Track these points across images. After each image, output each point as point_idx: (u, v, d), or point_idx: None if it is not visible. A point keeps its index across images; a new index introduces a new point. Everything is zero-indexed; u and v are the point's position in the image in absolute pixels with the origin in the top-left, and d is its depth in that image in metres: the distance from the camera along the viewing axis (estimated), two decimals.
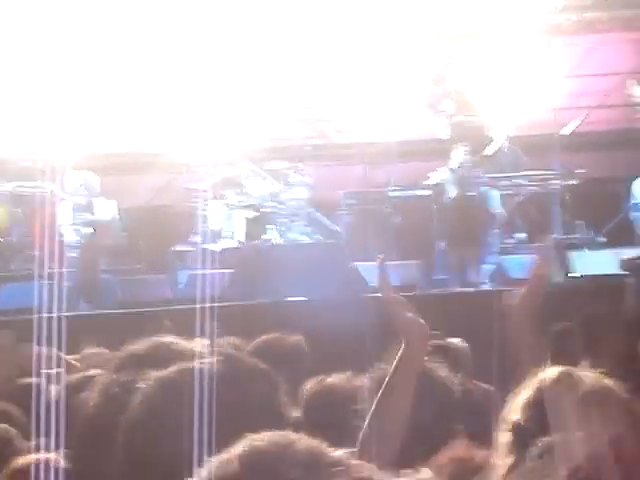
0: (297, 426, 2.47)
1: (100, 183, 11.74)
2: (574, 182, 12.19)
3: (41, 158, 11.28)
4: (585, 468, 1.58)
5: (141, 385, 1.83)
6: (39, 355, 4.26)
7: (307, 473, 1.23)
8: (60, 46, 12.06)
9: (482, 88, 13.48)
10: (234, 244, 11.85)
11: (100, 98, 13.10)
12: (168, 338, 2.15)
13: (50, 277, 9.76)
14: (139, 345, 2.15)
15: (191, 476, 1.60)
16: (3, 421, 3.51)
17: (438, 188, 12.23)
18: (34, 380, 3.90)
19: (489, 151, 12.64)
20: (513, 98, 13.27)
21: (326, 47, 13.65)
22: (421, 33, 13.67)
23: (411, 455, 2.14)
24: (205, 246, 11.70)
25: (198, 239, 11.99)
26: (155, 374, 1.82)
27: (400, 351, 2.63)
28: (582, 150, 12.74)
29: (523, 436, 1.92)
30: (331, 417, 2.42)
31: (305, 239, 12.12)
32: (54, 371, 3.44)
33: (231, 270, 10.64)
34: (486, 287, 11.27)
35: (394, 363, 2.60)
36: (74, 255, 11.08)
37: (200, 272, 10.82)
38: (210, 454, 1.61)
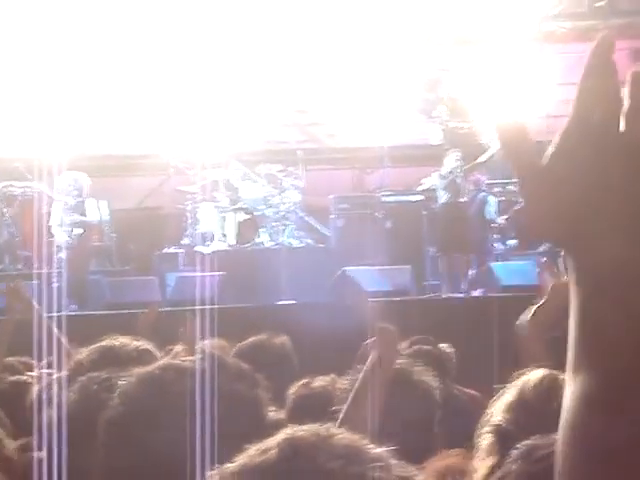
0: (278, 426, 2.46)
1: (90, 184, 11.71)
2: None
3: (31, 158, 11.24)
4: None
5: (121, 382, 1.81)
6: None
7: (347, 465, 1.21)
8: (52, 46, 12.04)
9: (475, 94, 13.49)
10: (225, 247, 11.83)
11: (92, 99, 13.07)
12: (121, 340, 2.15)
13: (39, 277, 9.74)
14: (90, 350, 2.15)
15: (175, 474, 1.58)
16: None
17: (429, 194, 12.23)
18: (16, 379, 3.88)
19: (482, 158, 12.64)
20: (506, 105, 13.26)
21: (320, 51, 13.65)
22: (415, 39, 13.68)
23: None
24: (196, 248, 11.68)
25: (188, 241, 11.97)
26: (137, 371, 1.81)
27: (370, 357, 2.63)
28: None
29: (504, 438, 1.91)
30: (315, 420, 2.41)
31: (296, 243, 12.11)
32: (39, 371, 3.42)
33: (222, 273, 10.62)
34: (476, 293, 11.26)
35: (363, 369, 2.60)
36: (63, 256, 11.05)
37: (190, 274, 10.79)
38: (190, 452, 1.60)
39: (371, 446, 1.25)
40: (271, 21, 13.47)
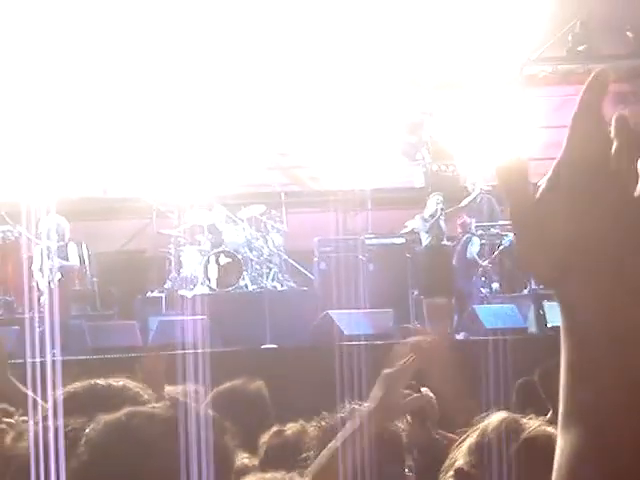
0: (246, 473, 2.42)
1: (71, 228, 11.66)
2: None
3: (12, 202, 11.20)
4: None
5: (88, 429, 1.78)
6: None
7: None
8: (33, 87, 12.04)
9: (458, 137, 13.54)
10: (208, 290, 11.77)
11: (74, 142, 13.05)
12: (103, 381, 2.11)
13: (21, 322, 9.67)
14: (74, 387, 2.11)
15: None
16: None
17: (412, 236, 12.23)
18: None
19: (464, 202, 12.68)
20: (489, 148, 13.32)
21: (303, 93, 13.69)
22: (398, 82, 13.74)
23: None
24: (178, 292, 11.62)
25: (170, 285, 11.91)
26: (103, 417, 1.77)
27: (367, 410, 2.54)
28: None
29: None
30: (287, 468, 2.37)
31: (279, 286, 12.07)
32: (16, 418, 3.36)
33: (204, 317, 10.55)
34: (460, 337, 11.22)
35: (357, 420, 2.50)
36: (45, 301, 10.97)
37: (172, 318, 10.73)
38: None
39: None
40: (255, 63, 13.52)
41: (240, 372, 4.29)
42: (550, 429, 1.94)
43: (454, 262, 12.11)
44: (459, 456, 2.00)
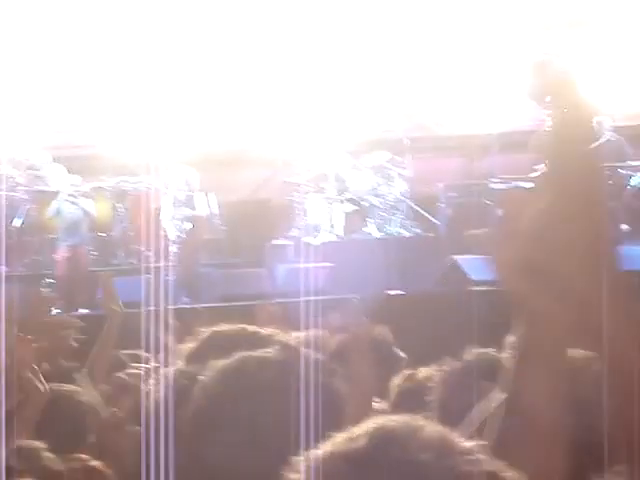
0: (374, 414, 2.43)
1: (200, 178, 11.84)
2: None
3: (142, 154, 11.43)
4: None
5: (202, 376, 1.81)
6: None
7: (437, 457, 1.20)
8: (158, 43, 12.22)
9: (587, 78, 13.23)
10: (333, 238, 11.84)
11: (202, 95, 13.21)
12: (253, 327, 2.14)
13: (152, 271, 9.91)
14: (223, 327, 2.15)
15: (263, 464, 1.57)
16: None
17: None
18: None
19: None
20: (619, 87, 13.00)
21: (428, 39, 13.55)
22: (523, 21, 13.48)
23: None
24: (304, 240, 11.71)
25: (297, 233, 12.01)
26: (216, 363, 1.81)
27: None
28: None
29: None
30: (418, 412, 2.39)
31: (404, 232, 12.05)
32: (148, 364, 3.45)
33: (330, 264, 10.63)
34: None
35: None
36: (174, 250, 11.20)
37: (299, 266, 10.83)
38: (269, 442, 1.60)
39: (461, 439, 1.23)
40: (380, 12, 13.43)
41: (367, 318, 4.32)
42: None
43: None
44: None
